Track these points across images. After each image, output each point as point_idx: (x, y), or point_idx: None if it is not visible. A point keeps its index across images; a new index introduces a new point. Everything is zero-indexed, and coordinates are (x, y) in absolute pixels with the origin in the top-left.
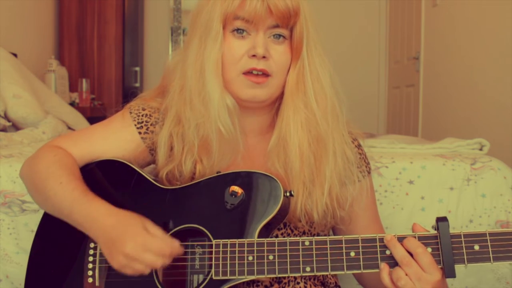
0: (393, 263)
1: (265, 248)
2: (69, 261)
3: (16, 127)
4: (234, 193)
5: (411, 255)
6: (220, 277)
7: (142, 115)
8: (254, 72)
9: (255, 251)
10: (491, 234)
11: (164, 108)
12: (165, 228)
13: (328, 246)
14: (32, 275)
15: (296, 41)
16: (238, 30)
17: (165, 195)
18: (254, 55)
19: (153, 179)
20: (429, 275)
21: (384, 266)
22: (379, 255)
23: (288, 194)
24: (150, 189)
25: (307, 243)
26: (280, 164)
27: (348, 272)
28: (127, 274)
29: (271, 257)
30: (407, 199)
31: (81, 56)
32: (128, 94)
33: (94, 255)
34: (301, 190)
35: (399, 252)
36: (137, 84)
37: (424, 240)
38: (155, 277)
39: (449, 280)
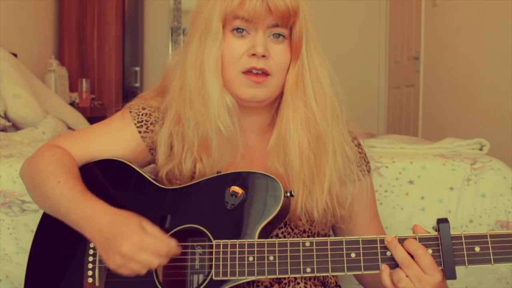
0: (393, 264)
1: (266, 248)
2: (69, 261)
3: (16, 127)
4: (234, 194)
5: (412, 256)
6: (221, 278)
7: (142, 114)
8: (254, 71)
9: (255, 251)
10: (492, 236)
11: (164, 107)
12: (165, 228)
13: (329, 247)
14: (31, 275)
15: (295, 40)
16: (237, 29)
17: (165, 195)
18: (253, 54)
19: (153, 179)
20: (429, 276)
21: (384, 268)
22: (379, 256)
23: (288, 194)
24: (150, 189)
25: (307, 244)
26: (280, 163)
27: (349, 273)
28: (124, 274)
29: (271, 258)
30: (407, 199)
31: (81, 56)
32: (128, 94)
33: (94, 255)
34: (301, 189)
35: (399, 253)
36: (137, 84)
37: (425, 241)
38: (155, 277)
39: (449, 280)
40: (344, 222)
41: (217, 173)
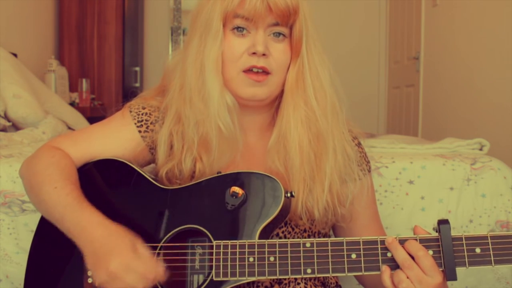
0: (394, 265)
1: (266, 249)
2: (68, 261)
3: (16, 127)
4: (235, 194)
5: (412, 257)
6: (221, 278)
7: (142, 114)
8: (254, 69)
9: (256, 252)
10: (492, 237)
11: (164, 106)
12: (165, 228)
13: (329, 248)
14: (31, 275)
15: (295, 39)
16: (238, 28)
17: (165, 195)
18: (254, 53)
19: (153, 179)
20: (430, 278)
21: (385, 269)
22: (380, 257)
23: (289, 194)
24: (150, 189)
25: (308, 244)
26: (280, 162)
27: (349, 274)
28: None
29: (272, 259)
30: (407, 199)
31: (81, 56)
32: (128, 94)
33: None
34: (302, 187)
35: (400, 255)
36: (137, 84)
37: (426, 242)
38: None
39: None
40: (345, 221)
41: (218, 173)
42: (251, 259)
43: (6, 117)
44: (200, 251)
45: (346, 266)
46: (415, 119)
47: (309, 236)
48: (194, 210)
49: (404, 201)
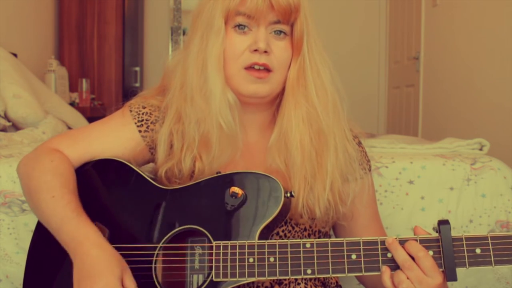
0: (394, 266)
1: (266, 250)
2: (67, 261)
3: (16, 127)
4: (234, 194)
5: (413, 258)
6: (221, 279)
7: (143, 113)
8: (256, 67)
9: (255, 253)
10: (492, 238)
11: (164, 106)
12: (165, 229)
13: (330, 248)
14: (30, 274)
15: (296, 37)
16: (239, 26)
17: (165, 195)
18: (256, 50)
19: (152, 179)
20: (430, 278)
21: (385, 269)
22: (380, 258)
23: (288, 194)
24: (149, 190)
25: (308, 245)
26: (281, 160)
27: (350, 274)
28: None
29: (272, 259)
30: (407, 199)
31: (81, 56)
32: (128, 94)
33: None
34: (303, 185)
35: (400, 255)
36: (137, 84)
37: (426, 243)
38: (154, 278)
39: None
40: (346, 219)
41: (217, 173)
42: (251, 260)
43: (6, 117)
44: (200, 251)
45: (346, 266)
46: (415, 119)
47: (309, 235)
48: (193, 210)
49: (404, 201)
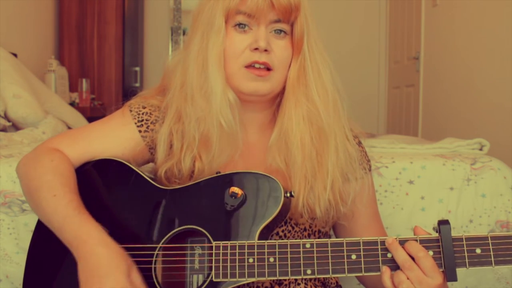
0: (394, 266)
1: (266, 250)
2: (67, 261)
3: (16, 127)
4: (234, 194)
5: (413, 258)
6: (220, 279)
7: (143, 113)
8: (256, 65)
9: (255, 253)
10: (493, 238)
11: (164, 106)
12: (165, 229)
13: (329, 248)
14: (30, 274)
15: (297, 36)
16: (240, 24)
17: (164, 195)
18: (256, 48)
19: (152, 179)
20: (430, 278)
21: (385, 269)
22: (380, 258)
23: (288, 194)
24: (149, 190)
25: (308, 245)
26: (281, 159)
27: (350, 275)
28: None
29: (271, 260)
30: (407, 199)
31: (81, 56)
32: (128, 94)
33: None
34: (303, 184)
35: (400, 255)
36: (137, 84)
37: (426, 243)
38: (154, 278)
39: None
40: (346, 219)
41: (217, 173)
42: (250, 260)
43: (6, 117)
44: (200, 251)
45: (346, 267)
46: (415, 119)
47: (309, 235)
48: (193, 210)
49: (404, 201)
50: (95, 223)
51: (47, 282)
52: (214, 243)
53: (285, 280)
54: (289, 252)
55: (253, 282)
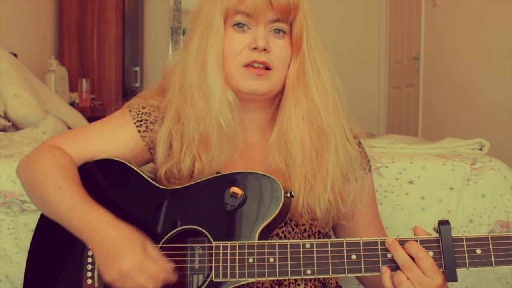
0: (394, 266)
1: (266, 250)
2: (68, 262)
3: (16, 127)
4: (234, 194)
5: (413, 258)
6: (220, 279)
7: (142, 113)
8: (255, 64)
9: (255, 253)
10: (493, 238)
11: (163, 106)
12: (164, 229)
13: (329, 249)
14: (30, 274)
15: (296, 36)
16: (238, 24)
17: (164, 195)
18: (255, 48)
19: (152, 179)
20: (430, 279)
21: (385, 270)
22: (380, 259)
23: (288, 195)
24: (149, 190)
25: (308, 245)
26: (281, 159)
27: (349, 275)
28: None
29: (271, 260)
30: (407, 199)
31: (81, 56)
32: (128, 94)
33: (93, 256)
34: (303, 184)
35: (400, 256)
36: (137, 84)
37: (426, 243)
38: None
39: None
40: (347, 219)
41: (217, 173)
42: (250, 260)
43: (6, 117)
44: (200, 251)
45: (346, 267)
46: (415, 119)
47: (309, 236)
48: (193, 210)
49: (404, 201)
50: (102, 209)
51: (48, 282)
52: (214, 243)
53: (285, 280)
54: (289, 252)
55: (253, 282)
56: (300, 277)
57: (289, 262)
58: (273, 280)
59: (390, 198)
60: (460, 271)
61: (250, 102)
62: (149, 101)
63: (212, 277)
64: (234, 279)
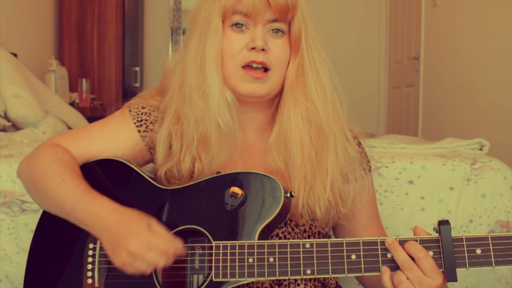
0: (394, 266)
1: (266, 250)
2: (68, 261)
3: (16, 127)
4: (234, 194)
5: (413, 258)
6: (220, 279)
7: (142, 114)
8: (254, 65)
9: (255, 253)
10: (493, 238)
11: (163, 106)
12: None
13: (329, 248)
14: (31, 274)
15: (294, 35)
16: (237, 24)
17: (164, 195)
18: (253, 48)
19: (152, 179)
20: (430, 279)
21: (385, 270)
22: (380, 258)
23: (288, 195)
24: (149, 189)
25: (307, 245)
26: (281, 159)
27: (349, 275)
28: (129, 273)
29: (271, 260)
30: (407, 199)
31: (81, 56)
32: (128, 94)
33: (93, 256)
34: (303, 184)
35: (400, 256)
36: (137, 84)
37: (426, 243)
38: (154, 278)
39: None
40: (347, 219)
41: (217, 173)
42: (250, 260)
43: (6, 117)
44: (200, 251)
45: (346, 267)
46: (415, 119)
47: (309, 237)
48: (193, 210)
49: (404, 201)
50: (105, 198)
51: (48, 282)
52: (214, 243)
53: (284, 280)
54: (289, 252)
55: (253, 282)
56: (300, 277)
57: (289, 262)
58: (273, 280)
59: (390, 198)
60: (460, 271)
61: (249, 103)
62: (149, 101)
63: (212, 277)
64: (234, 279)
